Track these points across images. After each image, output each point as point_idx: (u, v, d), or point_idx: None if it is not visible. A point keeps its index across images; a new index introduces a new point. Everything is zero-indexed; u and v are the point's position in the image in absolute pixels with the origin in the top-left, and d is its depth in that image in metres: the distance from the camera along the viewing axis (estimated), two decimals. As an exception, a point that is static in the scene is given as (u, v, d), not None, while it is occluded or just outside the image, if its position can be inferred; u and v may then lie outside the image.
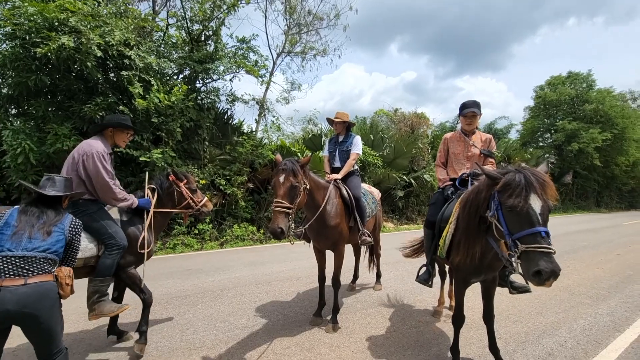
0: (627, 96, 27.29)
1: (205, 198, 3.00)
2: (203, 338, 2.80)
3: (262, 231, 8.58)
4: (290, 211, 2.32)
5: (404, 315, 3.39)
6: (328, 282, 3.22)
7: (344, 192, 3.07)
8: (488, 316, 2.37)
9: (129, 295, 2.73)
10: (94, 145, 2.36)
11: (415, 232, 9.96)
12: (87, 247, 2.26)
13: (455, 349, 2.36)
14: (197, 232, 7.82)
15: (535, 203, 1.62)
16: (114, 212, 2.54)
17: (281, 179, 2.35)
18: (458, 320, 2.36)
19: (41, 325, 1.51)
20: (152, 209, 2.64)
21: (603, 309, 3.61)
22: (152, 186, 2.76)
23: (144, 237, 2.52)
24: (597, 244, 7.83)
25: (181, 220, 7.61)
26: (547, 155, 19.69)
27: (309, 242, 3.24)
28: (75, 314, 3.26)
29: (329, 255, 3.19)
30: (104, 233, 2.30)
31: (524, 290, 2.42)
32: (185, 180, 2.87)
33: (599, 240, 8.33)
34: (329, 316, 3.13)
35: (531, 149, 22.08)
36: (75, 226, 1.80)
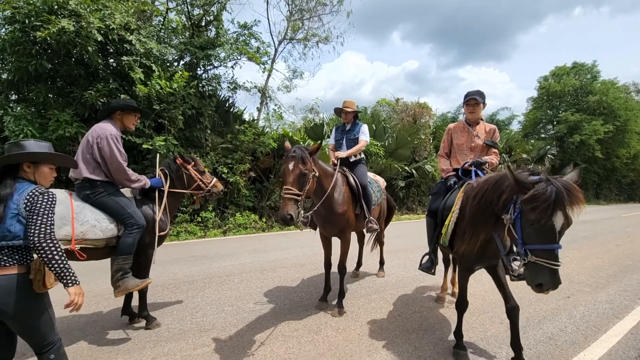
0: (630, 88, 27.08)
1: (215, 179, 3.04)
2: (213, 321, 2.87)
3: (264, 219, 8.64)
4: (300, 198, 2.35)
5: (407, 300, 3.47)
6: (333, 268, 3.28)
7: (351, 180, 3.09)
8: (510, 307, 2.22)
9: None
10: (107, 128, 2.39)
11: (415, 222, 10.04)
12: (107, 227, 2.33)
13: (458, 333, 2.42)
14: (200, 220, 7.88)
15: (558, 221, 1.58)
16: (127, 193, 2.60)
17: (290, 166, 2.37)
18: (461, 305, 2.40)
19: (14, 320, 1.40)
20: (166, 188, 2.70)
21: (602, 296, 3.69)
22: (163, 168, 2.81)
23: (158, 218, 2.60)
24: (596, 234, 7.92)
25: (185, 208, 7.67)
26: (549, 146, 19.63)
27: (315, 230, 3.28)
28: (86, 297, 3.32)
29: (335, 242, 3.24)
30: (123, 213, 2.36)
31: (523, 278, 2.44)
32: (193, 163, 2.92)
33: (598, 231, 8.42)
34: (334, 301, 3.21)
35: (532, 141, 22.02)
36: (30, 196, 1.44)
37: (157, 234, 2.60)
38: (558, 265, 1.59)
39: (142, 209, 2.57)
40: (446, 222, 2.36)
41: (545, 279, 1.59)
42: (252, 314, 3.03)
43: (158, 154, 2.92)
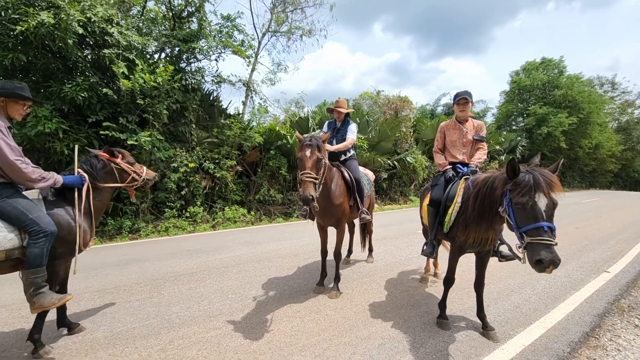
0: (594, 82, 28.98)
1: (145, 167, 2.86)
2: (219, 307, 3.07)
3: (252, 213, 8.78)
4: (317, 181, 2.62)
5: (396, 282, 3.82)
6: (329, 256, 3.56)
7: (345, 174, 3.35)
8: (479, 284, 2.68)
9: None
10: None
11: (398, 212, 10.54)
12: (5, 237, 2.03)
13: (443, 304, 2.78)
14: (188, 215, 7.91)
15: (541, 201, 1.82)
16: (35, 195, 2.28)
17: (307, 153, 2.65)
18: (449, 281, 2.74)
19: None
20: (84, 188, 2.38)
21: (561, 272, 4.22)
22: (80, 169, 2.46)
23: (78, 224, 2.29)
24: (559, 218, 8.54)
25: (173, 203, 7.66)
26: (520, 138, 20.84)
27: (313, 220, 3.52)
28: (90, 292, 3.42)
29: (331, 231, 3.51)
30: (24, 219, 2.04)
31: (511, 258, 2.68)
32: (121, 156, 2.70)
33: (561, 216, 9.20)
34: (330, 285, 3.51)
35: (505, 132, 23.26)
36: None
37: (78, 242, 2.27)
38: (552, 242, 1.73)
39: (55, 213, 2.24)
40: (449, 212, 2.60)
41: (542, 254, 1.71)
42: (255, 300, 3.26)
43: (77, 147, 2.47)
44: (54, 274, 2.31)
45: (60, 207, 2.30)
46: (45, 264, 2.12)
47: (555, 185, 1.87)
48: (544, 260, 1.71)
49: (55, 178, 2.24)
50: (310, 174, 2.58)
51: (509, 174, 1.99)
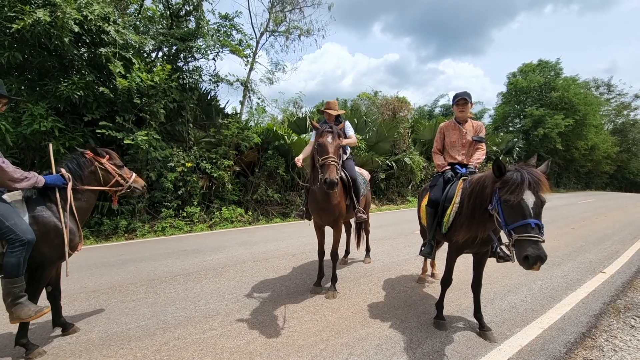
0: (590, 84, 29.20)
1: (134, 174, 2.74)
2: (216, 308, 3.05)
3: (250, 213, 8.75)
4: (339, 167, 2.67)
5: (393, 282, 3.82)
6: (326, 256, 3.54)
7: (342, 174, 3.34)
8: (476, 284, 2.67)
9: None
10: None
11: (395, 213, 10.55)
12: None
13: (440, 305, 2.78)
14: (185, 214, 7.87)
15: (529, 198, 1.84)
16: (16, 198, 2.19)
17: (329, 139, 2.73)
18: (447, 282, 2.74)
19: None
20: (69, 188, 2.32)
21: (557, 272, 4.24)
22: (63, 168, 2.40)
23: (65, 226, 2.22)
24: (555, 219, 8.76)
25: (169, 203, 7.62)
26: (516, 139, 20.95)
27: (310, 220, 3.51)
28: (84, 292, 3.37)
29: (328, 232, 3.50)
30: (1, 227, 1.98)
31: (507, 259, 2.69)
32: (108, 157, 2.60)
33: (557, 217, 9.30)
34: (327, 285, 3.49)
35: (502, 134, 23.39)
36: None
37: (65, 244, 2.21)
38: (538, 238, 1.74)
39: (40, 215, 2.18)
40: (447, 212, 2.60)
41: (528, 250, 1.72)
42: (252, 300, 3.24)
43: (50, 145, 2.38)
44: (44, 279, 2.26)
45: (46, 209, 2.22)
46: (22, 273, 2.06)
47: (543, 184, 1.89)
48: (530, 256, 1.72)
49: (37, 178, 2.18)
50: (334, 158, 2.64)
51: (495, 173, 2.01)
